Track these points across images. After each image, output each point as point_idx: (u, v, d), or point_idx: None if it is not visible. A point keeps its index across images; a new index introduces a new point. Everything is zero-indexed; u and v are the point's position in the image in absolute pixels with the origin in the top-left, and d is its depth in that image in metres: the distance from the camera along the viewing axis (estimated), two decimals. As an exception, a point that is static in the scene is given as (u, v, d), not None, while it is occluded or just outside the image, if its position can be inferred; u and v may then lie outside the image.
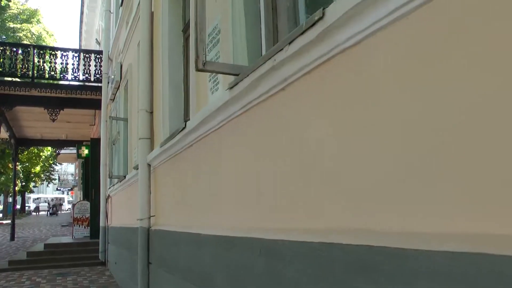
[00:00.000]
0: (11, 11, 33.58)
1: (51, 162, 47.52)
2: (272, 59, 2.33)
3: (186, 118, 4.60)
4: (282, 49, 2.23)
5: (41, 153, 41.63)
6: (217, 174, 3.46)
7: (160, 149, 5.14)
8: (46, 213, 51.26)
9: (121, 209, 9.39)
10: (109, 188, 11.37)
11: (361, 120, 1.77)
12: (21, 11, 34.14)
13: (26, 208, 53.44)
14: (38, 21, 34.89)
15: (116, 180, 9.96)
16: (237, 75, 2.77)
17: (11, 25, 32.47)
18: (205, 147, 3.80)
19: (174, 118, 5.24)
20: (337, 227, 1.91)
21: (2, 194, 45.30)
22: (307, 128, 2.17)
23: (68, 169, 74.70)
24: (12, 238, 19.27)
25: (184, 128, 4.10)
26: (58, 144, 20.71)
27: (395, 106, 1.58)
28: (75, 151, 23.44)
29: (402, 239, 1.50)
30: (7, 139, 18.54)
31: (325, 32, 1.90)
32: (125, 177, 8.44)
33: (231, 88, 2.86)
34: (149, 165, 5.98)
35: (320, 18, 1.89)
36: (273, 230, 2.45)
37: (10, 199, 45.50)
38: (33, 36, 32.80)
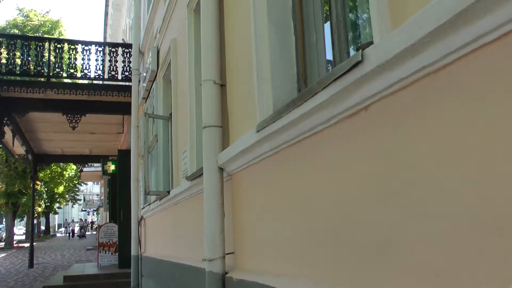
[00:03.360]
0: (32, 22, 31.91)
1: (76, 182, 45.72)
2: None
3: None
4: None
5: (64, 172, 39.78)
6: None
7: (256, 135, 2.80)
8: (67, 235, 49.02)
9: (163, 236, 7.08)
10: (143, 208, 9.09)
11: None
12: (42, 23, 32.38)
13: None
14: (60, 34, 33.05)
15: (153, 198, 7.68)
16: None
17: (33, 37, 30.72)
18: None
19: (281, 80, 2.88)
20: None
21: (25, 216, 43.46)
22: None
23: (93, 189, 73.38)
24: (31, 265, 17.03)
25: (358, 63, 1.74)
26: (81, 160, 18.58)
27: None
28: (99, 168, 21.45)
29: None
30: (24, 155, 16.42)
31: None
32: (168, 193, 6.12)
33: None
34: (221, 170, 3.64)
35: None
36: None
37: (34, 221, 43.76)
38: (55, 48, 31.00)
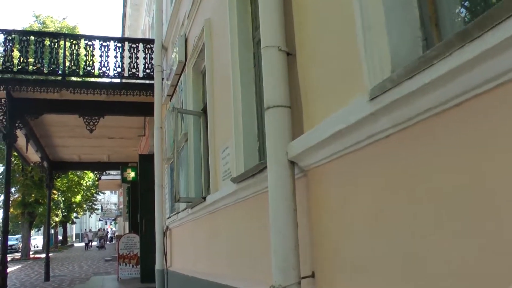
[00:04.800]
0: (48, 29, 31.39)
1: (93, 191, 45.12)
2: None
3: None
4: None
5: (82, 181, 39.13)
6: None
7: (368, 105, 1.85)
8: (85, 246, 48.14)
9: (195, 250, 6.15)
10: (169, 217, 8.19)
11: None
12: (59, 29, 31.77)
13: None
14: (77, 40, 32.57)
15: (181, 207, 6.77)
16: None
17: (49, 44, 30.17)
18: None
19: (400, 27, 1.94)
20: None
21: (42, 226, 42.88)
22: None
23: (111, 199, 72.83)
24: (47, 278, 16.14)
25: None
26: (99, 167, 17.78)
27: None
28: (118, 176, 20.70)
29: None
30: (39, 162, 15.64)
31: None
32: (204, 199, 5.20)
33: None
34: (293, 164, 2.70)
35: None
36: None
37: (52, 231, 43.16)
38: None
